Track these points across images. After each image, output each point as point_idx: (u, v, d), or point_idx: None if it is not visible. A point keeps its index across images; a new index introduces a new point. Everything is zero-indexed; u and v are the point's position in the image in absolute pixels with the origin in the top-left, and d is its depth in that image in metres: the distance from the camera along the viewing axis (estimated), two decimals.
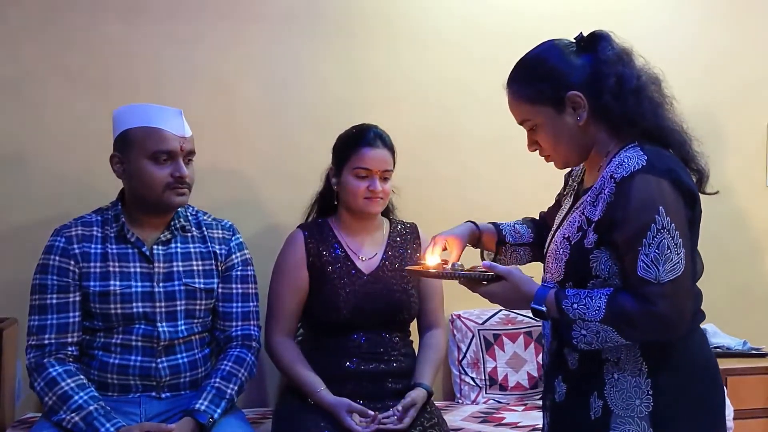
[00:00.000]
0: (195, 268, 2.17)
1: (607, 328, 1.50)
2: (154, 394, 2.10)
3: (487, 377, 2.77)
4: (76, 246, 2.09)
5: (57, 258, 2.07)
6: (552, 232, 1.73)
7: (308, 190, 2.48)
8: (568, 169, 1.84)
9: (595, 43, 1.62)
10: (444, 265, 1.73)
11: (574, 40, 1.66)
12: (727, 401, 2.45)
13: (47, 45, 2.60)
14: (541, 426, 1.86)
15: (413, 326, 2.45)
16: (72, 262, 2.07)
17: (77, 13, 2.63)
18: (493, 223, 1.93)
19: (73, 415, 1.96)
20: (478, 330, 2.81)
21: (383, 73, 2.89)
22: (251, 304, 2.24)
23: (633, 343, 1.55)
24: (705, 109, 3.23)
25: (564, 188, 1.86)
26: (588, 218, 1.56)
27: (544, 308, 1.56)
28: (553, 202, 1.92)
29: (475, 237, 1.89)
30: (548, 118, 1.62)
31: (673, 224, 1.47)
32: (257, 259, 2.31)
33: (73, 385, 1.99)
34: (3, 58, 2.58)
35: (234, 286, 2.21)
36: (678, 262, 1.47)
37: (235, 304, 2.21)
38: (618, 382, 1.56)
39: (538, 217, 1.97)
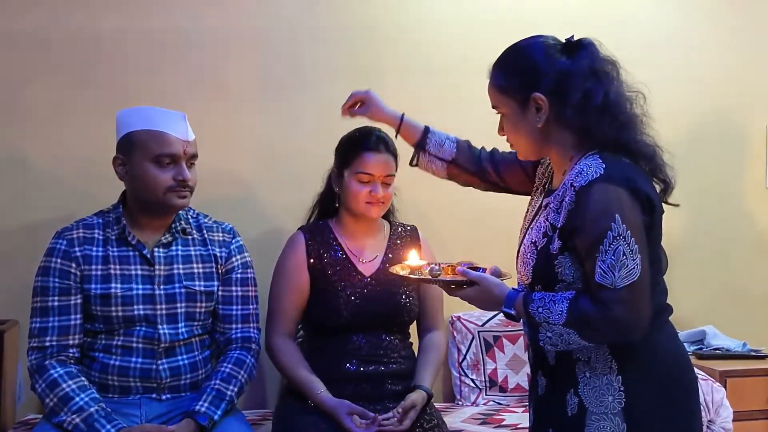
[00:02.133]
0: (195, 270, 2.17)
1: (569, 331, 1.56)
2: (154, 395, 2.10)
3: (487, 379, 2.77)
4: (77, 249, 2.09)
5: (58, 260, 2.08)
6: (521, 235, 1.76)
7: (309, 192, 2.48)
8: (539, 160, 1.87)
9: (575, 51, 1.64)
10: (424, 268, 1.78)
11: (563, 41, 1.67)
12: (727, 403, 2.46)
13: (48, 45, 2.61)
14: None
15: (413, 328, 2.45)
16: (73, 265, 2.08)
17: (78, 13, 2.63)
18: (427, 127, 2.02)
19: (74, 416, 1.96)
20: (478, 332, 2.81)
21: (384, 74, 2.89)
22: (251, 306, 2.24)
23: (598, 344, 1.59)
24: (706, 111, 3.24)
25: (533, 166, 1.88)
26: (552, 224, 1.61)
27: (513, 311, 1.63)
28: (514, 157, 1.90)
29: (395, 124, 2.03)
30: (512, 111, 1.67)
31: (628, 231, 1.51)
32: (258, 261, 2.32)
33: (74, 386, 2.00)
34: (3, 59, 2.58)
35: (234, 288, 2.22)
36: (633, 268, 1.52)
37: (235, 307, 2.21)
38: (590, 380, 1.61)
39: (488, 149, 1.99)
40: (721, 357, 2.86)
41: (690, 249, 3.22)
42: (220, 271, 2.21)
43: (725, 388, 2.67)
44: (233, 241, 2.25)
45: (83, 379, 2.04)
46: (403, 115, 2.03)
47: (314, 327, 2.36)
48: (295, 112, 2.81)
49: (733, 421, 2.54)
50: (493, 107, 1.73)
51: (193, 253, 2.19)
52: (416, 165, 2.04)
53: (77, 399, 1.98)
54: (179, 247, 2.17)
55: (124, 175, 2.12)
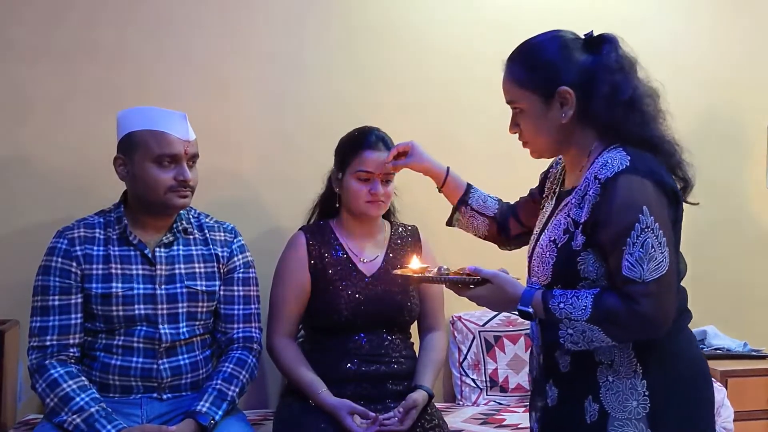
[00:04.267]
0: (197, 270, 2.17)
1: (593, 328, 1.51)
2: (155, 395, 2.10)
3: (487, 379, 2.77)
4: (78, 248, 2.09)
5: (59, 260, 2.08)
6: (535, 236, 1.73)
7: (310, 192, 2.49)
8: (545, 168, 1.87)
9: (600, 46, 1.62)
10: (431, 269, 1.75)
11: (583, 37, 1.66)
12: (728, 403, 2.46)
13: (49, 45, 2.61)
14: None
15: (413, 328, 2.45)
16: (74, 264, 2.08)
17: (79, 14, 2.63)
18: (469, 184, 2.01)
19: (74, 416, 1.96)
20: (479, 332, 2.81)
21: (386, 75, 2.89)
22: (252, 306, 2.24)
23: (624, 345, 1.56)
24: (706, 110, 3.25)
25: (540, 188, 1.88)
26: (574, 220, 1.57)
27: (530, 309, 1.57)
28: (527, 194, 1.95)
29: (440, 177, 2.02)
30: (534, 107, 1.63)
31: (657, 223, 1.48)
32: (259, 262, 2.32)
33: (74, 386, 2.00)
34: (4, 59, 2.58)
35: (236, 288, 2.22)
36: (662, 261, 1.48)
37: (236, 307, 2.21)
38: (613, 384, 1.57)
39: (512, 202, 2.01)
40: (722, 357, 2.87)
41: (690, 249, 3.19)
42: (221, 270, 2.21)
43: (726, 388, 2.67)
44: (235, 240, 2.25)
45: (83, 378, 2.03)
46: (448, 168, 2.01)
47: (315, 327, 2.36)
48: (295, 112, 2.81)
49: (734, 420, 2.54)
50: (510, 102, 1.69)
51: (194, 252, 2.19)
52: (452, 224, 2.03)
53: (78, 399, 1.98)
54: (180, 247, 2.17)
55: (125, 175, 2.12)
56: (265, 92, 2.79)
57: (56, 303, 2.05)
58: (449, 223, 2.03)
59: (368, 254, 2.37)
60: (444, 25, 2.96)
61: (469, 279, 1.63)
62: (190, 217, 2.23)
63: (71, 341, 2.06)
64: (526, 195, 1.96)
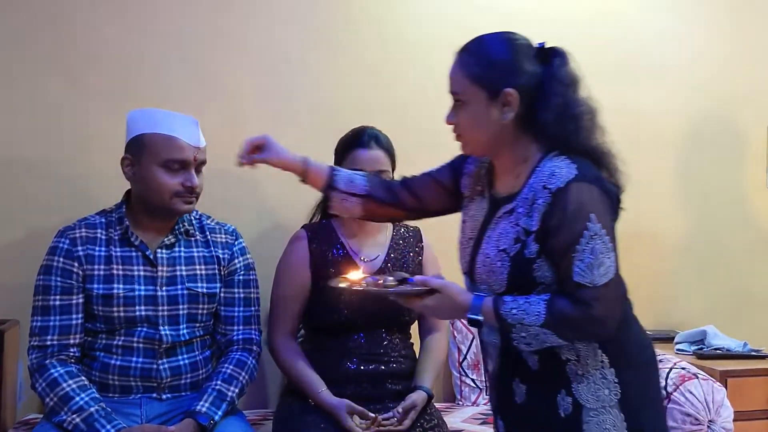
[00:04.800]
0: (198, 272, 2.17)
1: (546, 332, 1.56)
2: (154, 395, 2.10)
3: (487, 379, 2.76)
4: (80, 248, 2.09)
5: (61, 259, 2.08)
6: (472, 242, 1.73)
7: (313, 191, 2.48)
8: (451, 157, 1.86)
9: (551, 58, 1.65)
10: (378, 282, 1.73)
11: (536, 46, 1.68)
12: (727, 403, 2.45)
13: (50, 45, 2.60)
14: None
15: (413, 328, 2.45)
16: (76, 264, 2.08)
17: (83, 15, 2.63)
18: (332, 166, 1.92)
19: (74, 416, 1.96)
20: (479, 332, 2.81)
21: (387, 76, 2.89)
22: (252, 308, 2.24)
23: (573, 342, 1.61)
24: (707, 112, 3.24)
25: (451, 179, 1.84)
26: (525, 229, 1.60)
27: (480, 317, 1.61)
28: (426, 175, 1.90)
29: (299, 170, 1.88)
30: (477, 102, 1.65)
31: (603, 230, 1.54)
32: (261, 261, 2.32)
33: (74, 386, 2.00)
34: (5, 60, 2.58)
35: (236, 290, 2.22)
36: (610, 265, 1.55)
37: (236, 309, 2.21)
38: (583, 377, 1.61)
39: (399, 178, 1.95)
40: (721, 357, 2.86)
41: (690, 249, 3.23)
42: (222, 272, 2.21)
43: (726, 388, 2.66)
44: (236, 242, 2.25)
45: (83, 378, 2.03)
46: (307, 158, 1.89)
47: (315, 325, 2.36)
48: (296, 112, 2.81)
49: (734, 421, 2.54)
50: (453, 93, 1.70)
51: (195, 254, 2.19)
52: (330, 214, 1.94)
53: (77, 399, 1.98)
54: (182, 249, 2.17)
55: (131, 176, 2.12)
56: (268, 92, 2.79)
57: (57, 303, 2.05)
58: (326, 213, 1.97)
59: (369, 253, 2.37)
60: (447, 27, 2.95)
61: (418, 291, 1.65)
62: (192, 218, 2.23)
63: (72, 341, 2.06)
64: (420, 174, 1.91)
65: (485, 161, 1.79)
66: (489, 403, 1.91)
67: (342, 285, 1.76)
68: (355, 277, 1.78)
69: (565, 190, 1.55)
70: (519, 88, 1.62)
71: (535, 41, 1.68)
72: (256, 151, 1.89)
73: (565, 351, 1.61)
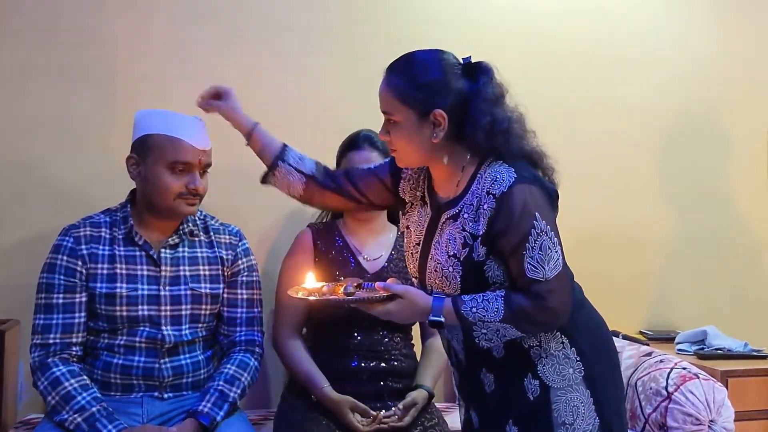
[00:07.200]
0: (202, 272, 2.17)
1: (506, 326, 1.64)
2: (156, 394, 2.11)
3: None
4: (84, 246, 2.09)
5: (65, 258, 2.08)
6: (418, 247, 1.78)
7: None
8: (388, 163, 1.90)
9: (477, 74, 1.69)
10: (336, 288, 1.74)
11: (461, 62, 1.71)
12: (728, 403, 2.45)
13: (52, 46, 2.60)
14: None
15: (415, 328, 2.46)
16: (79, 263, 2.08)
17: (82, 13, 2.62)
18: (286, 144, 1.95)
19: (75, 415, 1.96)
20: None
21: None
22: (255, 309, 2.24)
23: (532, 334, 1.68)
24: (707, 112, 3.25)
25: (391, 178, 1.88)
26: (472, 234, 1.66)
27: (442, 318, 1.66)
28: (365, 170, 1.93)
29: (246, 131, 1.94)
30: (408, 122, 1.69)
31: (548, 226, 1.63)
32: (265, 261, 2.32)
33: (76, 385, 2.00)
34: (6, 60, 2.58)
35: (239, 291, 2.22)
36: (557, 258, 1.64)
37: (239, 310, 2.21)
38: (547, 359, 1.69)
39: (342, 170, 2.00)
40: (722, 357, 2.85)
41: (690, 249, 3.23)
42: (225, 273, 2.21)
43: (726, 388, 2.66)
44: (240, 243, 2.26)
45: (85, 377, 2.03)
46: (258, 124, 1.95)
47: (317, 323, 2.37)
48: (298, 112, 2.80)
49: (735, 421, 2.54)
50: (384, 113, 1.73)
51: (199, 255, 2.19)
52: (267, 182, 1.95)
53: (79, 398, 1.98)
54: (186, 249, 2.17)
55: (136, 176, 2.13)
56: (270, 93, 2.78)
57: (60, 301, 2.05)
58: (263, 180, 1.96)
59: (372, 252, 2.38)
60: (446, 28, 2.95)
61: (379, 297, 1.67)
62: (196, 219, 2.23)
63: (74, 340, 2.06)
64: (364, 167, 1.95)
65: (423, 168, 1.84)
66: (458, 401, 1.94)
67: (300, 295, 1.77)
68: (311, 285, 1.79)
69: (508, 193, 1.62)
70: (447, 108, 1.66)
71: (462, 56, 1.72)
72: (216, 98, 1.98)
73: (526, 340, 1.69)
